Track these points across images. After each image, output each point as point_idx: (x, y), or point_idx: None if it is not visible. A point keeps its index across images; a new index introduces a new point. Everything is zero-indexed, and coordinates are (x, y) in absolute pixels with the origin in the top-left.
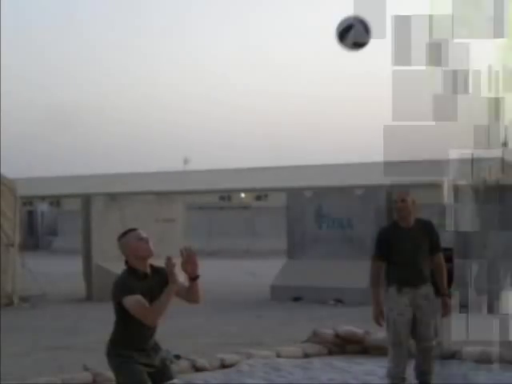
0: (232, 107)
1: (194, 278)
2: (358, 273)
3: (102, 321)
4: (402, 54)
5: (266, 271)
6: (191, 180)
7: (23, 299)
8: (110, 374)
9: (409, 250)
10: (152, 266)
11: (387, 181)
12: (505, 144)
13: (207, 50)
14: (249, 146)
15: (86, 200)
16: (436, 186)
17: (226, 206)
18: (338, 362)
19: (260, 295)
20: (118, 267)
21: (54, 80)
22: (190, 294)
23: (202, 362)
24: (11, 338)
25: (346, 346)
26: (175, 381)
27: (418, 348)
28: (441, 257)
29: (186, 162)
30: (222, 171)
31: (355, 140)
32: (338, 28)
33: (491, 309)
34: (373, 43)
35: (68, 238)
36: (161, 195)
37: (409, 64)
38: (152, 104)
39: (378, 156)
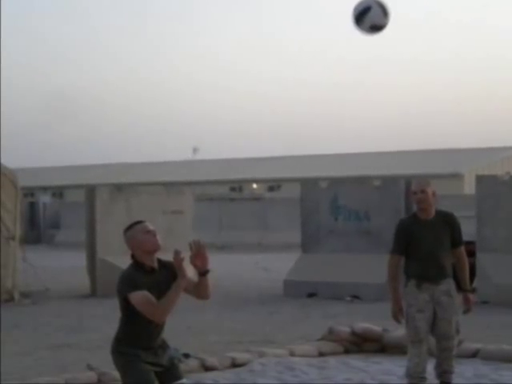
0: (243, 95)
1: (203, 273)
2: (375, 267)
3: (106, 318)
4: None
5: (279, 266)
6: (200, 170)
7: (24, 295)
8: (116, 374)
9: (429, 244)
10: (159, 261)
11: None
12: None
13: (217, 36)
14: (261, 135)
15: (91, 191)
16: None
17: (237, 197)
18: (355, 360)
19: (273, 291)
20: (124, 261)
21: (57, 67)
22: (200, 290)
23: (211, 360)
24: (12, 336)
25: (362, 344)
26: (184, 381)
27: (439, 346)
28: (462, 250)
29: (195, 151)
30: (233, 161)
31: (372, 128)
32: (354, 10)
33: None
34: (391, 27)
35: (71, 231)
36: (169, 186)
37: None
38: (160, 91)
39: (396, 145)
